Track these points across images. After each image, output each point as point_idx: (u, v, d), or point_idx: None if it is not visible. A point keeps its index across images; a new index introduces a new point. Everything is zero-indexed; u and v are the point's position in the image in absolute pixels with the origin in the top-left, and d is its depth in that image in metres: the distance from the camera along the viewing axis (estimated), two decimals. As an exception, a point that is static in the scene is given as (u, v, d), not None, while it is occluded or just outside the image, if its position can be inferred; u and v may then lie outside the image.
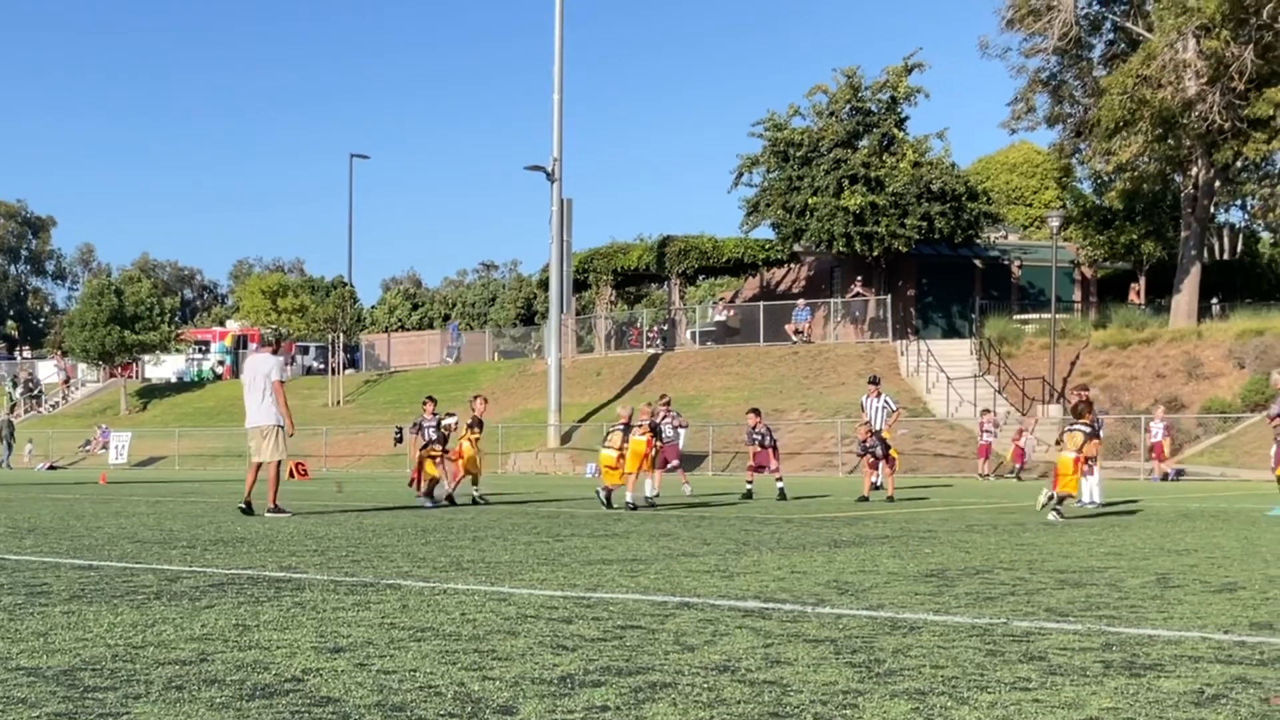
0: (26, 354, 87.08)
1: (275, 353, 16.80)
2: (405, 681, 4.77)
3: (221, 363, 74.43)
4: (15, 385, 70.31)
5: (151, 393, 68.96)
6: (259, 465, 16.05)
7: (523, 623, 6.35)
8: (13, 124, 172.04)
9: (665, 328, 56.69)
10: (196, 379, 72.73)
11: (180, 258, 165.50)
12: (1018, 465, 34.25)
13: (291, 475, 20.87)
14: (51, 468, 49.79)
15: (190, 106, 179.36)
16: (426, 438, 19.52)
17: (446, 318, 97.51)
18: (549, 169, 46.85)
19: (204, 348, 77.46)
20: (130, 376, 72.03)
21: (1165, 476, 33.31)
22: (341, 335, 63.93)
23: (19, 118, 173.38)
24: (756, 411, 22.90)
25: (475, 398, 21.25)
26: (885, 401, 24.40)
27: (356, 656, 5.31)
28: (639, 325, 58.25)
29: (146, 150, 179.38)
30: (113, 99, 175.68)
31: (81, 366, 70.90)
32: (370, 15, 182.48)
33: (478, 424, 20.22)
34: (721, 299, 51.06)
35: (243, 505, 15.85)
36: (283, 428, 16.06)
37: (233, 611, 6.72)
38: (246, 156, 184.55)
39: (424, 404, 20.51)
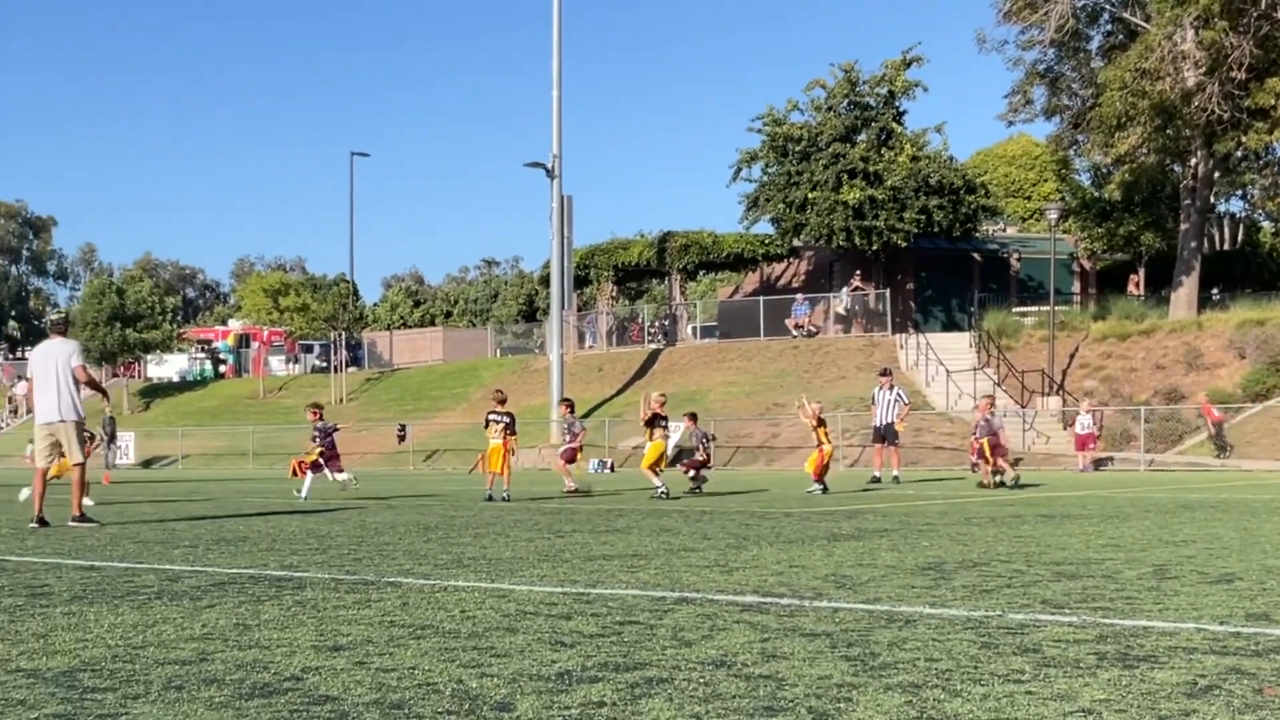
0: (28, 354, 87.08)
1: (66, 335, 14.46)
2: (403, 679, 4.79)
3: (224, 361, 74.50)
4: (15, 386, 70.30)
5: (154, 392, 68.94)
6: (45, 472, 14.15)
7: (522, 619, 6.38)
8: (13, 125, 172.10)
9: (666, 323, 56.71)
10: (199, 378, 72.72)
11: (181, 257, 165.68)
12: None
13: (294, 474, 20.84)
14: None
15: (190, 105, 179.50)
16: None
17: (449, 315, 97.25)
18: (549, 166, 46.79)
19: (206, 347, 77.45)
20: (132, 376, 71.99)
21: (1099, 465, 33.43)
22: (343, 333, 63.80)
23: (19, 119, 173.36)
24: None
25: (495, 392, 21.51)
26: (899, 394, 24.82)
27: (356, 655, 5.33)
28: (640, 321, 58.23)
29: (147, 149, 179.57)
30: (112, 98, 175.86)
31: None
32: (370, 11, 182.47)
33: (494, 419, 20.36)
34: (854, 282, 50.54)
35: (35, 521, 13.79)
36: (83, 422, 14.08)
37: (233, 611, 6.75)
38: (247, 155, 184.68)
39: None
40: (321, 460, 20.57)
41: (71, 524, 13.76)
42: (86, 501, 17.23)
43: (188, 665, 5.11)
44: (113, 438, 50.87)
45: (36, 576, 8.64)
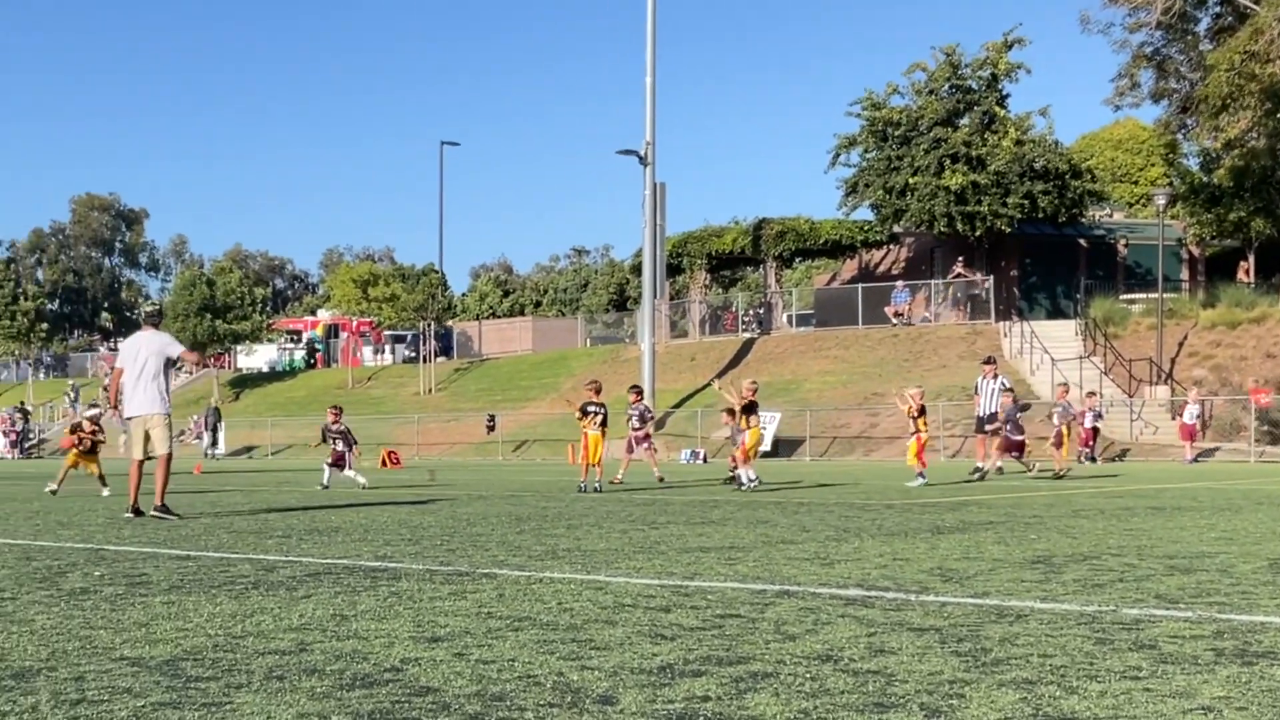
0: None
1: (158, 328, 14.34)
2: (504, 671, 4.75)
3: (314, 352, 75.33)
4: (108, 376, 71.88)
5: (244, 383, 70.09)
6: (140, 463, 14.04)
7: (620, 612, 6.30)
8: (105, 118, 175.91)
9: (761, 311, 56.37)
10: (289, 369, 73.72)
11: (271, 248, 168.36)
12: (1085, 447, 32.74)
13: (384, 464, 21.16)
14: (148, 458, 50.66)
15: (280, 96, 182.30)
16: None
17: (538, 304, 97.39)
18: (641, 153, 46.68)
19: (295, 337, 78.37)
20: (222, 367, 73.23)
21: (1196, 459, 32.67)
22: (432, 323, 64.21)
23: (111, 112, 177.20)
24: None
25: (591, 383, 21.68)
26: (1003, 383, 24.59)
27: (454, 646, 5.30)
28: (734, 309, 57.94)
29: (238, 141, 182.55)
30: (203, 91, 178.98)
31: None
32: (463, 1, 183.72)
33: (592, 410, 20.43)
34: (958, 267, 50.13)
35: (130, 511, 13.93)
36: (170, 415, 14.05)
37: (330, 601, 6.75)
38: (336, 145, 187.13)
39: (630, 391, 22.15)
40: (337, 458, 21.79)
41: (153, 514, 13.77)
42: (104, 492, 17.91)
43: (287, 655, 5.10)
44: (216, 428, 51.74)
45: (134, 566, 8.74)
